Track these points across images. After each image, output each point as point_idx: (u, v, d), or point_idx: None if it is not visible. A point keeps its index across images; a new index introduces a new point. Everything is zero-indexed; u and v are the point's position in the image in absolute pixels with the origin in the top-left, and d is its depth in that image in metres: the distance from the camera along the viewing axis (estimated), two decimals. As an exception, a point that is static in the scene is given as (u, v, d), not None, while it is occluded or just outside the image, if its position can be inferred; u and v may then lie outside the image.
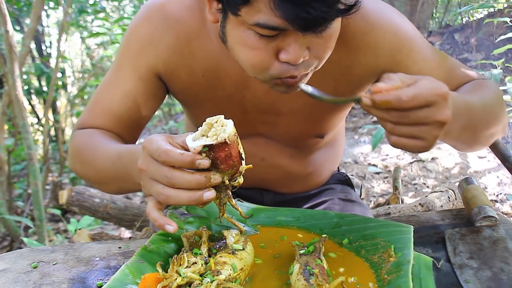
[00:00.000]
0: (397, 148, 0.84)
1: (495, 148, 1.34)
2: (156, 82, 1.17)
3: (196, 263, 0.83)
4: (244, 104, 1.17)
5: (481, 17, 6.51)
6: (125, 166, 0.98)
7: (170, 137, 0.83)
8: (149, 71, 1.15)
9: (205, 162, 0.79)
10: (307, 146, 1.30)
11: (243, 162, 0.83)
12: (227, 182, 0.82)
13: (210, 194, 0.81)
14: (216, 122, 0.81)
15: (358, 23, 1.06)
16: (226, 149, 0.80)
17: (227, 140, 0.79)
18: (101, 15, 4.75)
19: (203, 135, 0.81)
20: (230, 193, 0.87)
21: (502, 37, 2.50)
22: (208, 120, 0.82)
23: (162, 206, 0.85)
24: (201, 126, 0.82)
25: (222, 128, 0.80)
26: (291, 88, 0.95)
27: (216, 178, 0.80)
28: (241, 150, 0.83)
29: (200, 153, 0.79)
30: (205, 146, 0.79)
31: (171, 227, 0.82)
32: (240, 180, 0.85)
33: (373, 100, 0.79)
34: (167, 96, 1.25)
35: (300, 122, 1.20)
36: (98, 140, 1.13)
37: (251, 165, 0.86)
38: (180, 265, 0.82)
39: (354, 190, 1.54)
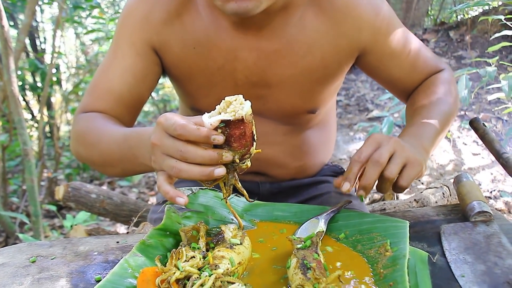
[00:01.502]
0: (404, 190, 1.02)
1: (489, 145, 1.34)
2: (153, 56, 1.22)
3: (195, 257, 0.83)
4: (236, 77, 1.20)
5: (475, 15, 6.53)
6: (131, 147, 1.02)
7: (185, 117, 0.86)
8: (145, 45, 1.20)
9: (219, 138, 0.81)
10: (299, 123, 1.33)
11: (255, 144, 0.85)
12: (237, 161, 0.84)
13: (220, 170, 0.83)
14: (235, 101, 0.82)
15: None
16: (242, 127, 0.81)
17: (244, 117, 0.80)
18: (96, 11, 4.73)
19: (220, 113, 0.82)
20: (237, 176, 0.88)
21: (497, 35, 2.51)
22: (227, 98, 0.83)
23: (173, 180, 0.88)
24: (219, 104, 0.84)
25: (240, 106, 0.81)
26: (241, 3, 0.99)
27: (227, 156, 0.82)
28: (254, 132, 0.85)
29: (216, 129, 0.81)
30: (222, 121, 0.81)
31: (182, 199, 0.85)
32: (248, 163, 0.86)
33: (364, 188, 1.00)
34: (161, 80, 1.29)
35: (291, 96, 1.24)
36: (102, 123, 1.16)
37: (260, 149, 0.88)
38: (179, 259, 0.83)
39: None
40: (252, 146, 0.85)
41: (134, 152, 1.01)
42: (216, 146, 0.84)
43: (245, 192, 0.93)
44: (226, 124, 0.81)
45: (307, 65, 1.18)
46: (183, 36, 1.18)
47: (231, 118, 0.80)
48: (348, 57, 1.22)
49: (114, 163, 1.12)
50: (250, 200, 0.95)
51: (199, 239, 0.91)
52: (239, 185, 0.90)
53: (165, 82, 6.61)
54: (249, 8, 1.00)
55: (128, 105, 1.24)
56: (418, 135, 1.13)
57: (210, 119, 0.81)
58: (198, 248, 0.88)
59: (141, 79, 1.22)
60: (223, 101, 0.84)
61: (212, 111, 0.84)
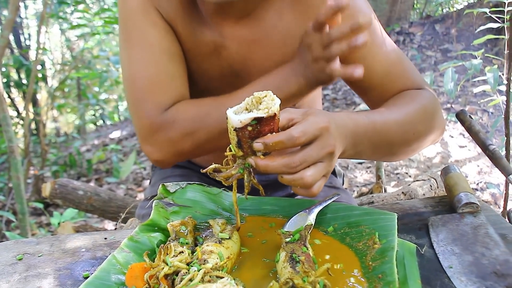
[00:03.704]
0: (311, 196, 0.88)
1: (476, 137, 1.35)
2: (170, 28, 1.17)
3: (183, 252, 0.83)
4: (221, 65, 1.19)
5: (461, 8, 6.58)
6: (278, 87, 1.03)
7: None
8: (162, 19, 1.16)
9: None
10: None
11: None
12: (262, 157, 0.84)
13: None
14: (266, 97, 0.81)
15: None
16: (271, 124, 0.81)
17: (277, 113, 0.80)
18: (81, 6, 4.69)
19: (247, 109, 0.81)
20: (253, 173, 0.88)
21: (482, 27, 2.53)
22: (256, 94, 0.82)
23: None
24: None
25: (272, 102, 0.80)
26: None
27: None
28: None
29: (246, 126, 0.79)
30: (254, 118, 0.79)
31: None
32: (252, 163, 0.85)
33: (266, 144, 0.81)
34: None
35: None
36: (208, 102, 1.13)
37: None
38: (167, 254, 0.82)
39: (337, 178, 1.56)
40: None
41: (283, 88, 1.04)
42: (240, 143, 0.83)
43: (261, 187, 0.92)
44: (258, 121, 0.79)
45: (281, 58, 1.16)
46: (175, 18, 1.17)
47: (264, 115, 0.79)
48: None
49: None
50: (264, 194, 0.95)
51: (187, 234, 0.91)
52: (255, 180, 0.89)
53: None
54: None
55: (186, 81, 1.20)
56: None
57: (239, 116, 0.80)
58: (186, 243, 0.88)
59: (179, 53, 1.19)
60: (251, 96, 0.82)
61: (236, 106, 0.82)
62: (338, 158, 0.95)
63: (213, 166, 0.88)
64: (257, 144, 0.81)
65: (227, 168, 0.89)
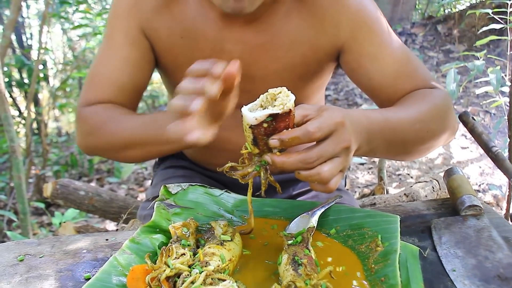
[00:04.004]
0: (329, 191, 0.86)
1: (479, 139, 1.35)
2: (146, 44, 1.22)
3: (185, 254, 0.83)
4: None
5: (463, 9, 6.57)
6: (161, 126, 1.01)
7: None
8: (138, 33, 1.20)
9: None
10: None
11: None
12: (278, 154, 0.82)
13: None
14: (280, 93, 0.80)
15: None
16: (287, 120, 0.80)
17: (292, 109, 0.79)
18: (83, 6, 4.69)
19: (262, 106, 0.81)
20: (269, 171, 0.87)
21: (484, 28, 2.52)
22: (270, 90, 0.81)
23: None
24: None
25: (287, 98, 0.79)
26: (239, 2, 1.00)
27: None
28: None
29: (261, 123, 0.79)
30: (270, 115, 0.78)
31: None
32: (269, 160, 0.84)
33: (282, 140, 0.80)
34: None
35: None
36: (120, 111, 1.18)
37: None
38: (169, 256, 0.82)
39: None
40: None
41: (163, 131, 1.00)
42: (255, 141, 0.82)
43: (277, 185, 0.91)
44: (273, 118, 0.79)
45: (289, 61, 1.17)
46: (171, 25, 1.18)
47: (279, 111, 0.78)
48: (328, 56, 1.19)
49: (137, 146, 1.13)
50: (281, 192, 0.94)
51: (189, 236, 0.91)
52: (272, 178, 0.88)
53: (153, 78, 6.57)
54: (245, 6, 1.01)
55: (130, 94, 1.24)
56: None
57: (255, 113, 0.79)
58: (188, 245, 0.88)
59: (139, 67, 1.23)
60: (266, 93, 0.82)
61: (251, 104, 0.82)
62: (353, 155, 0.94)
63: (229, 164, 0.88)
64: (273, 141, 0.81)
65: (243, 166, 0.88)
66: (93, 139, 1.21)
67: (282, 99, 0.79)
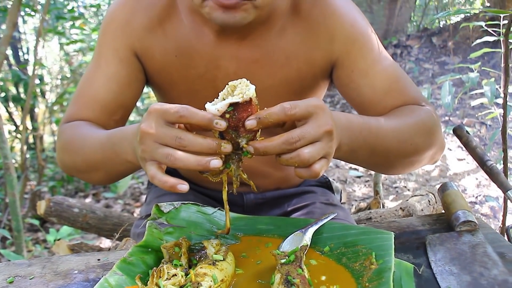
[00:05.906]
0: (314, 176, 0.84)
1: (473, 152, 1.34)
2: (136, 63, 1.21)
3: (176, 275, 0.81)
4: (216, 85, 1.17)
5: (457, 21, 6.61)
6: (114, 144, 0.99)
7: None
8: (128, 51, 1.19)
9: (222, 123, 0.79)
10: (280, 133, 1.31)
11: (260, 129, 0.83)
12: (245, 145, 0.81)
13: (216, 162, 0.79)
14: (240, 84, 0.81)
15: (321, 7, 1.13)
16: (249, 110, 0.80)
17: (252, 99, 0.79)
18: (78, 22, 4.71)
19: (224, 100, 0.80)
20: (241, 167, 0.86)
21: (478, 41, 2.53)
22: (230, 83, 0.82)
23: (163, 171, 0.83)
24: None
25: (246, 87, 0.80)
26: (228, 14, 0.99)
27: (226, 147, 0.80)
28: None
29: (223, 114, 0.79)
30: (230, 105, 0.78)
31: (185, 186, 0.81)
32: (251, 149, 0.82)
33: (259, 118, 0.80)
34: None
35: (271, 105, 1.21)
36: (87, 129, 1.15)
37: (263, 137, 0.84)
38: (160, 277, 0.81)
39: (334, 194, 1.54)
40: (258, 131, 0.83)
41: (116, 149, 0.99)
42: (221, 135, 0.81)
43: (251, 182, 0.90)
44: (234, 108, 0.79)
45: (284, 76, 1.17)
46: (164, 43, 1.18)
47: (239, 100, 0.78)
48: (323, 71, 1.19)
49: (98, 166, 1.10)
50: (256, 190, 0.93)
51: (181, 255, 0.90)
52: (245, 176, 0.87)
53: (150, 92, 6.58)
54: (237, 19, 1.00)
55: (113, 114, 1.22)
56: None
57: (216, 105, 0.79)
58: (180, 265, 0.86)
59: (126, 87, 1.21)
60: (226, 86, 0.82)
61: (215, 99, 0.82)
62: (335, 158, 0.93)
63: None
64: (250, 121, 0.80)
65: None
66: (63, 156, 1.20)
67: (242, 88, 0.80)
